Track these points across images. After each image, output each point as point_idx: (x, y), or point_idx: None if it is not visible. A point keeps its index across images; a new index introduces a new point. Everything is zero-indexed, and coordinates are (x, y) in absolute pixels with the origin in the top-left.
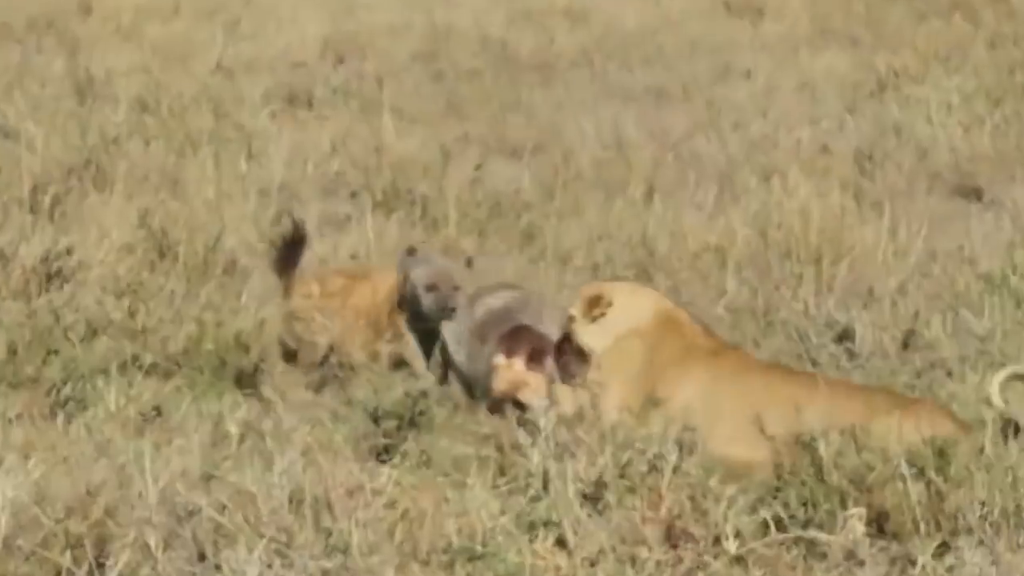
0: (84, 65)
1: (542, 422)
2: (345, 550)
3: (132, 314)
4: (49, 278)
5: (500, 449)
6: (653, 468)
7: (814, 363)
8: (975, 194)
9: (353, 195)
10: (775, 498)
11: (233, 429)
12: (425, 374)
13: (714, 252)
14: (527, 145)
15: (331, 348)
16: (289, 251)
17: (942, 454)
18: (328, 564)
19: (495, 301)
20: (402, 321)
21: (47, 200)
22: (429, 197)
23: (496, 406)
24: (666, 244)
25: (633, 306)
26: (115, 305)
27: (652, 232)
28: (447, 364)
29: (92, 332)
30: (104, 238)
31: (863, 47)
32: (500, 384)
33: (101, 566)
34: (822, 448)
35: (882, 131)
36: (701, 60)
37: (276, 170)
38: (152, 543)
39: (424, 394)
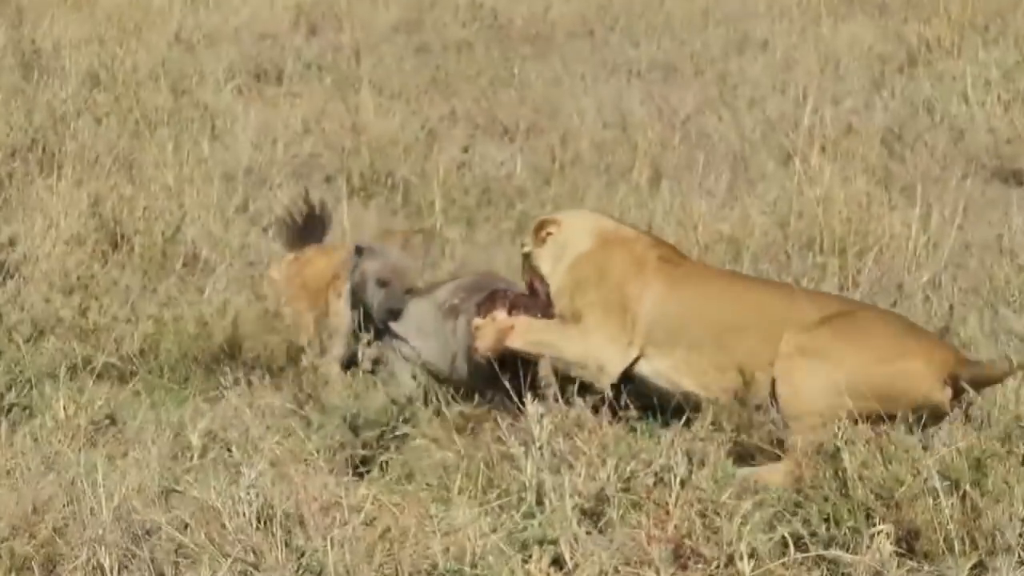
0: (29, 36)
1: (536, 431)
2: (319, 572)
3: (83, 312)
4: None
5: (489, 460)
6: (659, 481)
7: None
8: (1015, 178)
9: (328, 179)
10: (795, 514)
11: (195, 439)
12: (334, 357)
13: (727, 243)
14: (520, 125)
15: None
16: (303, 230)
17: (978, 466)
18: None
19: (462, 280)
20: (335, 296)
21: None
22: (412, 182)
23: (486, 375)
24: (674, 234)
25: (577, 228)
26: (64, 302)
27: (659, 221)
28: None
29: (38, 332)
30: (51, 227)
31: (891, 16)
32: (485, 340)
33: None
34: (846, 459)
35: (913, 110)
36: (713, 31)
37: (242, 152)
38: (106, 564)
39: (410, 401)
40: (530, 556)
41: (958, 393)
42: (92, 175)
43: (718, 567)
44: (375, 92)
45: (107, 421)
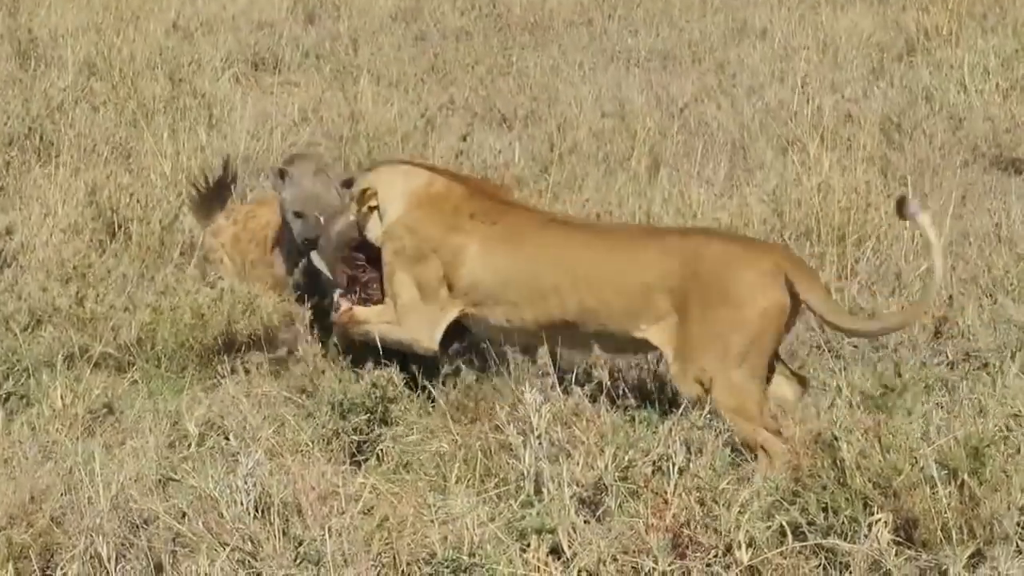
0: (26, 24)
1: (534, 419)
2: (317, 561)
3: (80, 301)
4: None
5: (486, 449)
6: (658, 470)
7: (835, 354)
8: (1013, 167)
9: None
10: (793, 503)
11: (192, 428)
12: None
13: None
14: (518, 113)
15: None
16: (215, 192)
17: (976, 455)
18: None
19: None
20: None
21: None
22: None
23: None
24: (673, 222)
25: (389, 191)
26: (61, 291)
27: (657, 209)
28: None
29: (36, 321)
30: (49, 216)
31: (890, 4)
32: (337, 332)
33: None
34: (844, 449)
35: (911, 98)
36: (712, 18)
37: (239, 141)
38: (104, 553)
39: (393, 383)
40: (528, 545)
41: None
42: (89, 164)
43: (716, 556)
44: (373, 81)
45: (104, 410)
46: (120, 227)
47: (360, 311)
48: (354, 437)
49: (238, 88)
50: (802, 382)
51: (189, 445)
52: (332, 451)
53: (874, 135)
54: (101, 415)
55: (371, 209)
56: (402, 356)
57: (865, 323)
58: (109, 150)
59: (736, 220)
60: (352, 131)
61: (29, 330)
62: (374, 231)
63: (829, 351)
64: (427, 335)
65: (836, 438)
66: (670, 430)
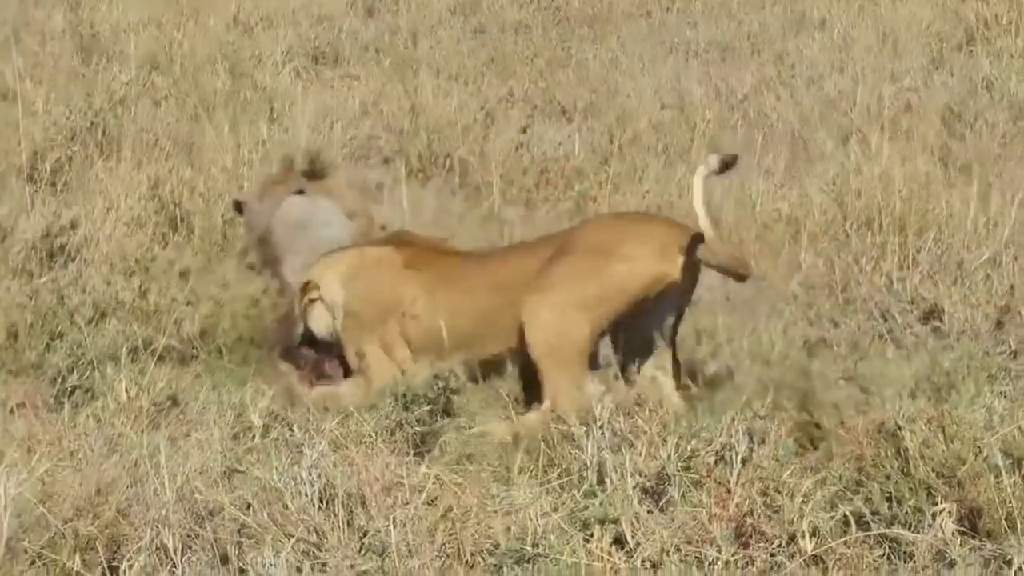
0: (88, 19)
1: (596, 409)
2: (382, 552)
3: (143, 294)
4: (51, 255)
5: (549, 440)
6: (721, 459)
7: (897, 344)
8: None
9: (386, 161)
10: (856, 493)
11: (257, 419)
12: None
13: (786, 222)
14: (578, 105)
15: None
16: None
17: None
18: (363, 567)
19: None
20: None
21: (48, 168)
22: (470, 163)
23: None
24: (733, 214)
25: (329, 281)
26: (124, 284)
27: (717, 201)
28: None
29: (100, 314)
30: (111, 210)
31: None
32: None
33: (114, 570)
34: (907, 438)
35: (971, 87)
36: (770, 10)
37: (300, 134)
38: (169, 545)
39: (455, 374)
40: (591, 535)
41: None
42: (151, 157)
43: (780, 546)
44: (433, 74)
45: (169, 402)
46: (182, 220)
47: (332, 393)
48: (417, 428)
49: (298, 82)
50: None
51: (253, 436)
52: (395, 442)
53: (934, 125)
54: (165, 407)
55: (312, 301)
56: None
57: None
58: (171, 144)
59: (797, 211)
60: (412, 124)
61: (93, 323)
62: (320, 321)
63: (892, 340)
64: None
65: (899, 427)
66: (733, 419)
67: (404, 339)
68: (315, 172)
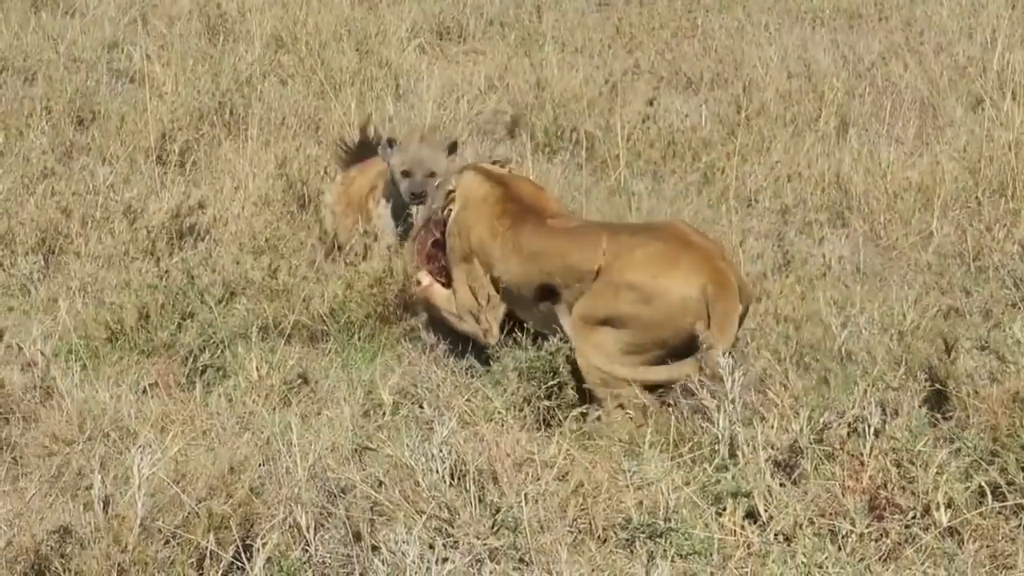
0: (215, 1)
1: (728, 383)
2: (514, 527)
3: (272, 273)
4: (181, 235)
5: (679, 414)
6: (853, 431)
7: None
8: None
9: (512, 135)
10: (991, 463)
11: (387, 397)
12: (393, 246)
13: (917, 191)
14: (704, 76)
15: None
16: (359, 152)
17: None
18: (496, 543)
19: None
20: (374, 204)
21: (176, 149)
22: (596, 136)
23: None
24: (862, 183)
25: (456, 199)
26: (254, 264)
27: (846, 170)
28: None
29: (230, 294)
30: (239, 189)
31: None
32: (416, 304)
33: (248, 548)
34: None
35: None
36: None
37: (426, 110)
38: (303, 523)
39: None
40: (724, 509)
41: None
42: (278, 136)
43: (914, 517)
44: (558, 47)
45: (299, 380)
46: (309, 199)
47: (436, 293)
48: (546, 403)
49: (424, 58)
50: None
51: (384, 414)
52: (524, 417)
53: None
54: (296, 385)
55: (450, 210)
56: None
57: None
58: (298, 122)
59: (927, 179)
60: (538, 98)
61: (224, 303)
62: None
63: None
64: (483, 332)
65: None
66: (864, 391)
67: (490, 279)
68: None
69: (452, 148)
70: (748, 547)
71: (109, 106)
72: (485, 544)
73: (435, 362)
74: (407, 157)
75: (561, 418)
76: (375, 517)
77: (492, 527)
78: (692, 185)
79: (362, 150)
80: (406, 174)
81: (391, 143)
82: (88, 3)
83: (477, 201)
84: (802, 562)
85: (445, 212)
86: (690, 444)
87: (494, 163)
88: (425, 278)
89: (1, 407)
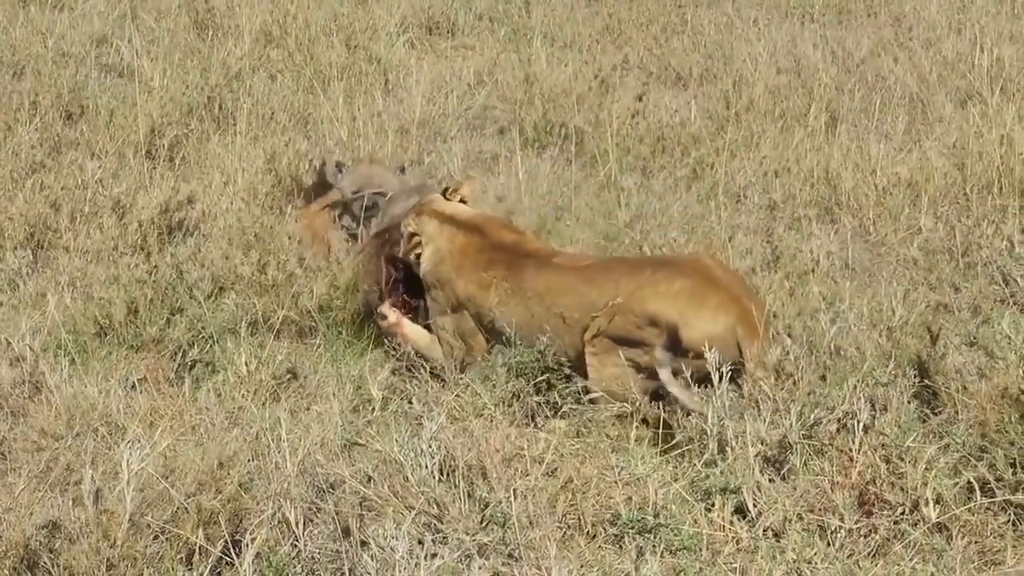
0: None
1: (715, 377)
2: (503, 523)
3: (262, 268)
4: (170, 230)
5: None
6: (843, 427)
7: (1020, 308)
8: None
9: (501, 131)
10: (980, 459)
11: (376, 392)
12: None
13: (906, 187)
14: (693, 72)
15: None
16: (316, 188)
17: None
18: (485, 538)
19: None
20: (333, 232)
21: (165, 144)
22: (585, 132)
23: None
24: (851, 179)
25: (425, 250)
26: (243, 259)
27: (836, 166)
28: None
29: (218, 289)
30: (228, 184)
31: None
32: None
33: (237, 543)
34: None
35: None
36: None
37: (415, 105)
38: (292, 518)
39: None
40: (713, 505)
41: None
42: (267, 131)
43: (903, 513)
44: (547, 42)
45: (289, 376)
46: (299, 193)
47: (411, 334)
48: (536, 399)
49: (413, 53)
50: None
51: (373, 409)
52: (514, 413)
53: None
54: (285, 381)
55: (417, 255)
56: None
57: None
58: (287, 117)
59: (916, 175)
60: (527, 93)
61: (213, 298)
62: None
63: (1014, 304)
64: (456, 367)
65: (1023, 392)
66: (854, 387)
67: (479, 327)
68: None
69: (402, 171)
70: (737, 543)
71: (98, 101)
72: (474, 540)
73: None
74: (356, 178)
75: (549, 414)
76: (364, 512)
77: (481, 522)
78: (681, 180)
79: (319, 189)
80: (356, 192)
81: (339, 167)
82: None
83: (455, 254)
84: (791, 558)
85: (408, 255)
86: (678, 439)
87: (444, 191)
88: (392, 314)
89: None
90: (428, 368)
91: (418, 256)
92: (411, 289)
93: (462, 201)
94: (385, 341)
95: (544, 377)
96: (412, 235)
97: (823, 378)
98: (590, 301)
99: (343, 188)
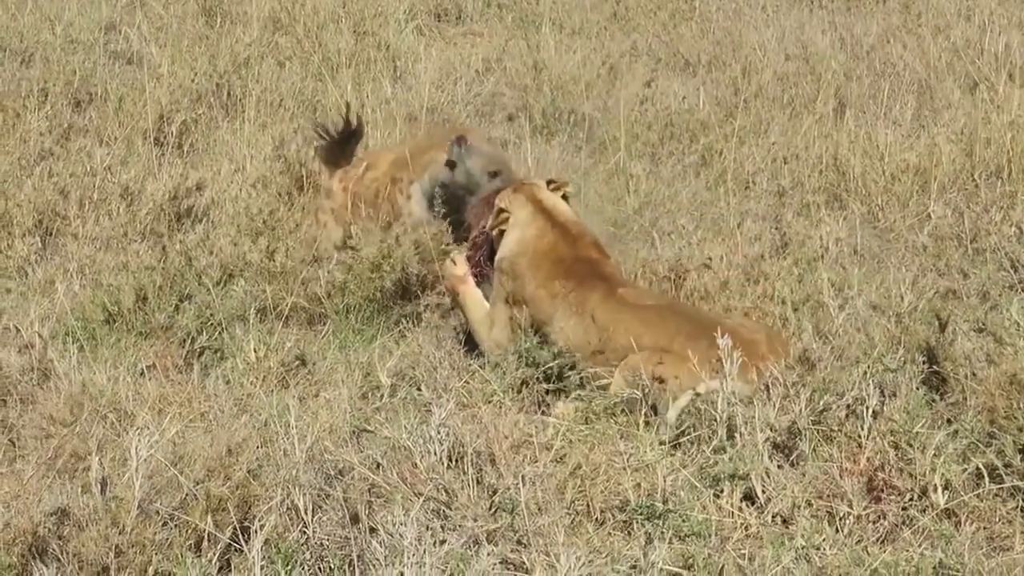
0: None
1: (726, 364)
2: (512, 509)
3: (270, 255)
4: (179, 217)
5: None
6: (851, 413)
7: None
8: None
9: (510, 118)
10: (989, 445)
11: (385, 379)
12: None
13: (914, 173)
14: (702, 58)
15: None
16: (342, 142)
17: None
18: (493, 525)
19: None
20: (402, 196)
21: (174, 131)
22: (594, 118)
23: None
24: (860, 165)
25: (513, 225)
26: (251, 245)
27: (844, 152)
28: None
29: (227, 275)
30: (237, 171)
31: None
32: (446, 278)
33: (246, 530)
34: None
35: None
36: None
37: (424, 92)
38: (300, 505)
39: None
40: (721, 491)
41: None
42: (276, 118)
43: (912, 499)
44: (556, 29)
45: (297, 363)
46: (307, 180)
47: (467, 293)
48: (544, 386)
49: (421, 39)
50: None
51: (382, 396)
52: (522, 400)
53: None
54: (294, 367)
55: (500, 232)
56: None
57: None
58: (295, 104)
59: (925, 161)
60: (535, 80)
61: (221, 284)
62: (500, 250)
63: (1022, 290)
64: (500, 353)
65: None
66: (864, 373)
67: (531, 328)
68: None
69: (494, 174)
70: (746, 529)
71: (107, 87)
72: (483, 526)
73: (433, 344)
74: (484, 159)
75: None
76: (373, 499)
77: (490, 509)
78: (690, 167)
79: (344, 138)
80: (495, 175)
81: (460, 143)
82: None
83: (539, 252)
84: (800, 544)
85: (492, 229)
86: (688, 425)
87: (549, 183)
88: (463, 266)
89: None
90: (440, 349)
91: (501, 233)
92: (492, 258)
93: (564, 197)
94: (443, 287)
95: (554, 364)
96: (501, 211)
97: (840, 365)
98: (639, 342)
99: (471, 170)
